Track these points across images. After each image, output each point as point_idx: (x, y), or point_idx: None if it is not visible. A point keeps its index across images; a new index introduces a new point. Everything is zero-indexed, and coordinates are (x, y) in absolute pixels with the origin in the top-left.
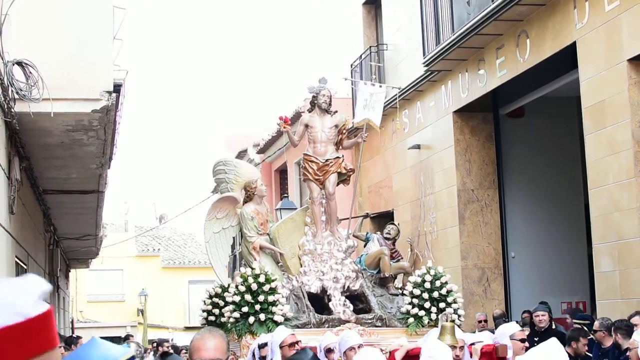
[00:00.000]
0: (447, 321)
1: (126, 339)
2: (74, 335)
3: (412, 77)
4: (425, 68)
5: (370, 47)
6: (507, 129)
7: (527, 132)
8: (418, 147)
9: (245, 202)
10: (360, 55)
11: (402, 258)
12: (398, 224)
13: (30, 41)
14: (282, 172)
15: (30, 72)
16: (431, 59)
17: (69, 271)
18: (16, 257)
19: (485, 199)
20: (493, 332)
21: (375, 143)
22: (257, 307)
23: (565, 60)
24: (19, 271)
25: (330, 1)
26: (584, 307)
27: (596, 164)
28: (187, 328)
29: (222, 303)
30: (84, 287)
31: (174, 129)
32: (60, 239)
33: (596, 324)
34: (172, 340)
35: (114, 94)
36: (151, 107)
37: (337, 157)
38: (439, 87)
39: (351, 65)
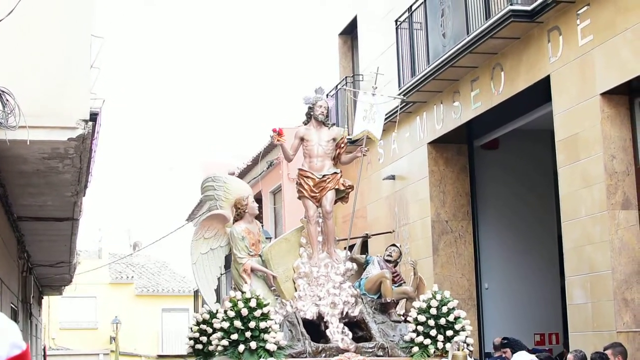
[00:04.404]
0: (458, 350)
1: None
2: None
3: (387, 108)
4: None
5: (346, 77)
6: (481, 161)
7: (501, 164)
8: (393, 177)
9: (235, 220)
10: (336, 86)
11: (404, 282)
12: (400, 246)
13: (7, 69)
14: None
15: (7, 100)
16: (406, 90)
17: (42, 298)
18: None
19: (459, 230)
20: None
21: (352, 173)
22: (248, 334)
23: (539, 93)
24: None
25: (305, 31)
26: (556, 339)
27: (569, 197)
28: (160, 356)
29: (210, 330)
30: (56, 314)
31: (150, 157)
32: (34, 265)
33: (570, 357)
34: None
35: (90, 123)
36: (127, 135)
37: (335, 173)
38: (413, 119)
39: (327, 95)
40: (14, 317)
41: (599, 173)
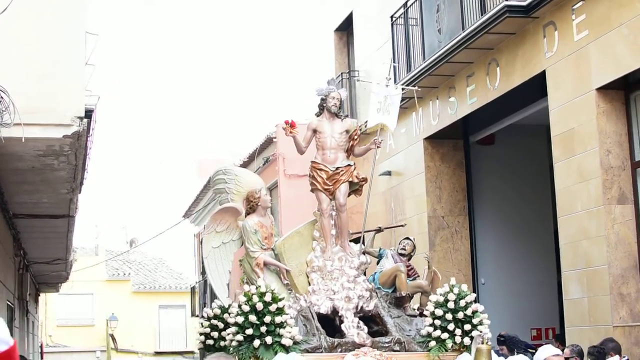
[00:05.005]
0: (482, 343)
1: None
2: None
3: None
4: None
5: (342, 73)
6: (477, 156)
7: (497, 160)
8: (389, 173)
9: (247, 213)
10: None
11: (418, 276)
12: (414, 239)
13: (1, 66)
14: None
15: (2, 97)
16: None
17: (39, 295)
18: None
19: (456, 226)
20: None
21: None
22: (263, 329)
23: (535, 88)
24: None
25: (301, 28)
26: (553, 334)
27: (565, 192)
28: (157, 353)
29: (221, 325)
30: (53, 311)
31: (145, 153)
32: (30, 263)
33: (566, 351)
34: None
35: (85, 120)
36: (122, 131)
37: (348, 165)
38: (409, 114)
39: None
40: (11, 314)
41: (594, 168)
